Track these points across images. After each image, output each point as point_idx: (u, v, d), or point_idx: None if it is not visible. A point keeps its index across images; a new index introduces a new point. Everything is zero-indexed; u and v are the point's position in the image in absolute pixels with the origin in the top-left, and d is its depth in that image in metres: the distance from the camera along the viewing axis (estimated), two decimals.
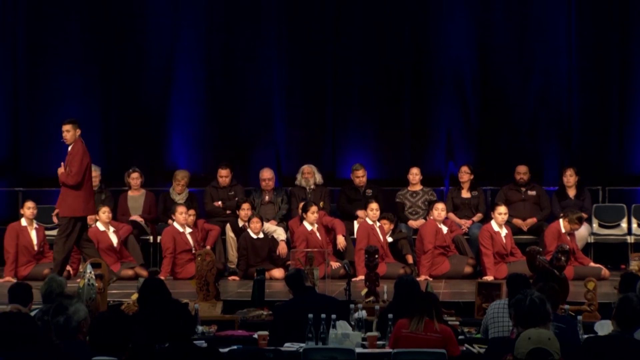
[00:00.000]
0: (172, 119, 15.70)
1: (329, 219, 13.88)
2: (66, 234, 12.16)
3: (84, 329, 5.82)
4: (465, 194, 14.46)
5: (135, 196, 14.54)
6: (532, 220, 14.18)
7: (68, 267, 13.38)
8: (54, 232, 14.43)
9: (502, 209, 13.33)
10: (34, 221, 13.53)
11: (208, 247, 13.26)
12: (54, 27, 15.62)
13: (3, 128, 15.40)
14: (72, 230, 12.20)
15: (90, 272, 8.78)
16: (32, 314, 7.13)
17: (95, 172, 14.46)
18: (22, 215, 13.55)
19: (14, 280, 12.92)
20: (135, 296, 9.20)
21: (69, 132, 12.16)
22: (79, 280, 9.16)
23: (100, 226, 13.46)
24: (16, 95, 15.69)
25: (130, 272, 13.27)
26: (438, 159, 15.45)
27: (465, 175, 14.46)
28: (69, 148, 12.24)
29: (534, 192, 14.38)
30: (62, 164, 12.26)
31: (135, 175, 14.51)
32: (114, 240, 13.49)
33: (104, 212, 13.49)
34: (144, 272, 12.94)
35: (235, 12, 15.65)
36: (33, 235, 13.42)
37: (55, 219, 12.65)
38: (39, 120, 15.67)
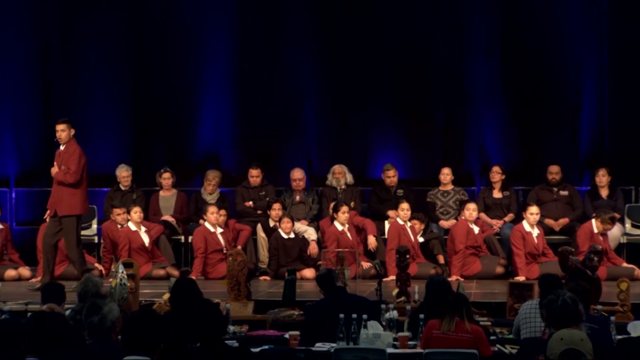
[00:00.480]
0: (203, 119, 15.72)
1: (359, 219, 13.87)
2: (73, 232, 12.12)
3: (117, 329, 5.84)
4: (497, 194, 14.40)
5: (167, 196, 14.59)
6: (564, 221, 14.11)
7: (100, 267, 13.47)
8: (87, 232, 14.55)
9: (533, 209, 13.27)
10: None
11: (239, 247, 13.28)
12: (83, 24, 15.69)
13: (36, 128, 15.47)
14: (77, 227, 12.22)
15: (122, 272, 8.82)
16: (65, 313, 7.17)
17: (127, 172, 14.54)
18: None
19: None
20: (166, 296, 9.23)
21: (64, 132, 12.14)
22: (111, 279, 9.20)
23: (132, 226, 13.52)
24: (47, 95, 15.77)
25: (161, 272, 13.32)
26: (469, 159, 15.40)
27: (496, 175, 14.41)
28: (62, 147, 12.18)
29: (566, 192, 14.30)
30: (54, 164, 12.22)
31: (166, 175, 14.56)
32: (146, 240, 13.54)
33: (136, 212, 13.54)
34: (175, 272, 12.97)
35: (265, 13, 15.66)
36: None
37: (46, 218, 12.43)
38: (72, 122, 15.72)
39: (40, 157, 15.35)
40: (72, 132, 12.22)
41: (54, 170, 12.19)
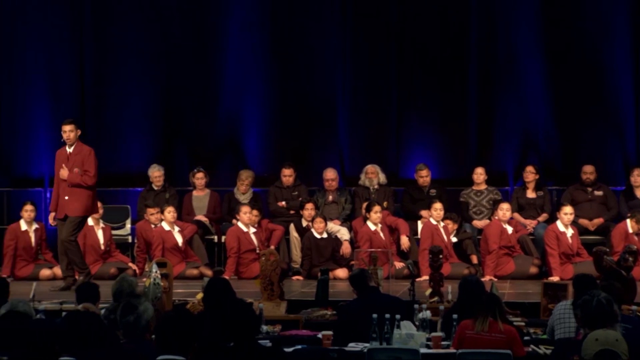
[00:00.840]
0: (236, 119, 15.76)
1: (392, 218, 13.85)
2: (76, 233, 12.06)
3: (151, 328, 5.86)
4: (531, 194, 14.34)
5: (200, 196, 14.63)
6: (598, 221, 14.02)
7: (134, 267, 13.53)
8: (121, 232, 14.63)
9: (568, 209, 13.20)
10: (101, 221, 13.67)
11: (272, 247, 13.29)
12: (118, 26, 15.77)
13: None
14: (82, 229, 12.20)
15: (156, 272, 8.85)
16: (100, 313, 7.20)
17: (159, 172, 14.59)
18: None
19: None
20: (200, 295, 9.25)
21: (72, 133, 11.99)
22: (144, 279, 9.24)
23: (166, 226, 13.57)
24: (83, 95, 15.87)
25: (195, 272, 13.37)
26: (503, 159, 15.33)
27: (530, 175, 14.34)
28: (71, 149, 12.05)
29: (600, 192, 14.21)
30: (63, 166, 12.02)
31: (200, 175, 14.60)
32: (179, 240, 13.59)
33: (169, 212, 13.59)
34: (208, 272, 13.01)
35: (299, 14, 15.67)
36: (100, 234, 13.57)
37: (53, 222, 12.31)
38: (105, 120, 15.85)
39: None
40: (79, 132, 12.12)
41: (65, 172, 11.98)
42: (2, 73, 15.80)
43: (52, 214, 12.21)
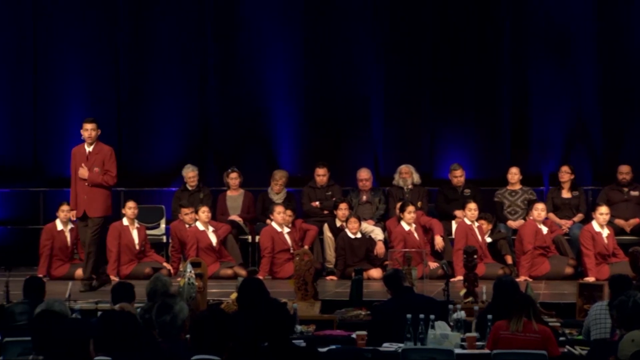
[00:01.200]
0: (270, 119, 15.79)
1: (426, 218, 13.82)
2: (99, 235, 12.06)
3: (186, 328, 5.88)
4: (566, 194, 14.25)
5: (234, 196, 14.67)
6: (635, 221, 13.92)
7: (168, 266, 13.58)
8: (155, 232, 14.69)
9: (603, 209, 13.12)
10: (135, 221, 13.73)
11: (306, 247, 13.29)
12: (153, 27, 15.86)
13: (107, 127, 15.59)
14: (103, 230, 12.21)
15: (191, 271, 8.88)
16: (136, 312, 7.23)
17: (193, 173, 14.64)
18: (123, 215, 13.76)
19: (116, 279, 13.15)
20: (234, 295, 9.27)
21: (94, 131, 11.95)
22: (179, 279, 9.27)
23: (200, 226, 13.61)
24: (119, 95, 15.96)
25: (229, 272, 13.40)
26: (538, 158, 15.26)
27: (565, 175, 14.25)
28: (90, 148, 12.00)
29: (636, 192, 14.11)
30: (82, 165, 11.96)
31: (234, 175, 14.63)
32: (213, 239, 13.62)
33: (204, 212, 13.63)
34: (242, 272, 13.04)
35: (333, 13, 15.68)
36: (134, 234, 13.63)
37: (73, 218, 12.43)
38: (140, 122, 15.93)
39: None
40: (99, 132, 12.08)
41: (85, 172, 11.94)
42: (38, 74, 15.92)
43: (72, 212, 12.28)
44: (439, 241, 13.55)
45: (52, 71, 15.92)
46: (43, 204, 15.59)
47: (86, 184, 11.95)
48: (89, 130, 11.96)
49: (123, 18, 15.90)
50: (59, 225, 13.66)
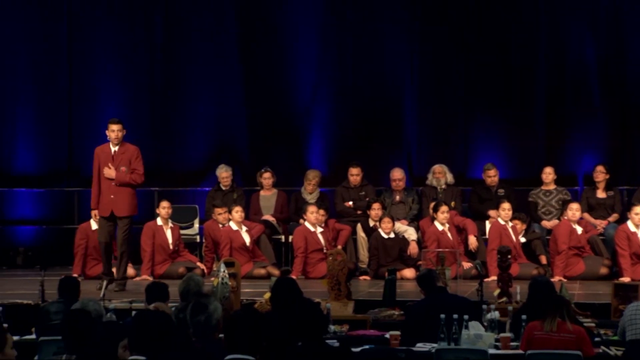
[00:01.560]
0: (303, 119, 15.80)
1: (460, 218, 13.77)
2: (130, 231, 12.12)
3: (220, 327, 5.89)
4: (601, 194, 14.16)
5: (267, 196, 14.68)
6: None
7: (202, 266, 13.62)
8: (189, 232, 14.74)
9: (638, 209, 13.01)
10: (169, 220, 13.78)
11: (339, 247, 13.28)
12: (185, 27, 15.91)
13: (142, 128, 15.68)
14: (131, 229, 12.24)
15: (224, 271, 8.89)
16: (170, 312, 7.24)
17: (226, 173, 14.66)
18: (157, 215, 13.82)
19: (151, 279, 13.21)
20: (267, 295, 9.28)
21: (120, 132, 11.99)
22: (212, 278, 9.29)
23: (233, 225, 13.64)
24: (153, 95, 16.03)
25: (262, 272, 13.41)
26: (572, 158, 15.17)
27: (600, 174, 14.15)
28: (116, 148, 12.02)
29: None
30: (109, 165, 11.99)
31: (267, 175, 14.64)
32: (247, 239, 13.64)
33: (237, 212, 13.66)
34: (276, 272, 13.05)
35: (367, 14, 15.66)
36: (168, 234, 13.67)
37: (95, 219, 12.45)
38: (173, 122, 15.99)
39: (144, 158, 15.62)
40: (125, 132, 12.12)
41: (112, 172, 11.98)
42: (72, 75, 16.02)
43: (94, 212, 12.28)
44: (472, 241, 13.51)
45: (86, 72, 16.01)
46: (77, 203, 15.69)
47: (113, 183, 12.00)
48: (115, 131, 12.02)
49: (156, 19, 15.96)
50: (93, 225, 13.67)
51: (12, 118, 16.04)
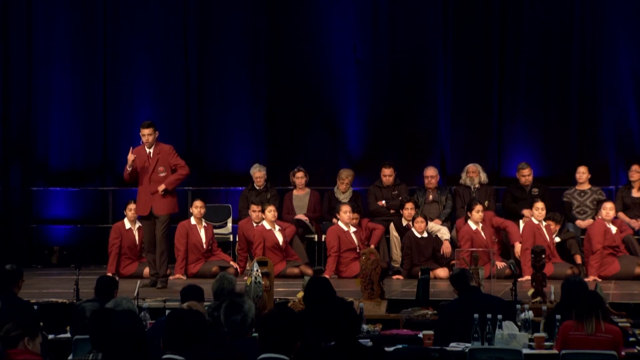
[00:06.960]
0: (337, 119, 15.81)
1: (500, 220, 13.64)
2: (169, 229, 12.22)
3: (253, 326, 5.89)
4: (636, 193, 14.06)
5: (300, 195, 14.69)
6: None
7: (235, 265, 13.66)
8: (222, 231, 14.78)
9: None
10: (203, 220, 13.82)
11: (372, 246, 13.27)
12: (223, 25, 15.96)
13: (175, 129, 15.75)
14: (170, 227, 12.33)
15: (257, 270, 8.91)
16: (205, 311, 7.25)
17: (260, 172, 14.69)
18: (191, 214, 13.86)
19: (184, 278, 13.26)
20: (300, 294, 9.29)
21: (151, 135, 12.07)
22: (246, 277, 9.30)
23: (267, 225, 13.66)
24: (187, 95, 16.09)
25: (295, 271, 13.43)
26: (607, 157, 15.08)
27: (635, 174, 14.06)
28: (151, 150, 12.11)
29: None
30: (144, 166, 12.07)
31: (300, 174, 14.65)
32: (280, 238, 13.66)
33: (270, 211, 13.68)
34: (309, 271, 13.06)
35: (402, 13, 15.65)
36: (202, 233, 13.72)
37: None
38: (208, 120, 16.05)
39: None
40: (157, 134, 12.20)
41: (131, 155, 12.04)
42: (108, 75, 16.11)
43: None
44: (518, 249, 13.30)
45: (122, 73, 16.11)
46: (112, 203, 15.78)
47: (160, 192, 12.01)
48: (146, 135, 12.13)
49: (191, 19, 16.03)
50: (127, 224, 13.78)
51: (47, 118, 16.15)
